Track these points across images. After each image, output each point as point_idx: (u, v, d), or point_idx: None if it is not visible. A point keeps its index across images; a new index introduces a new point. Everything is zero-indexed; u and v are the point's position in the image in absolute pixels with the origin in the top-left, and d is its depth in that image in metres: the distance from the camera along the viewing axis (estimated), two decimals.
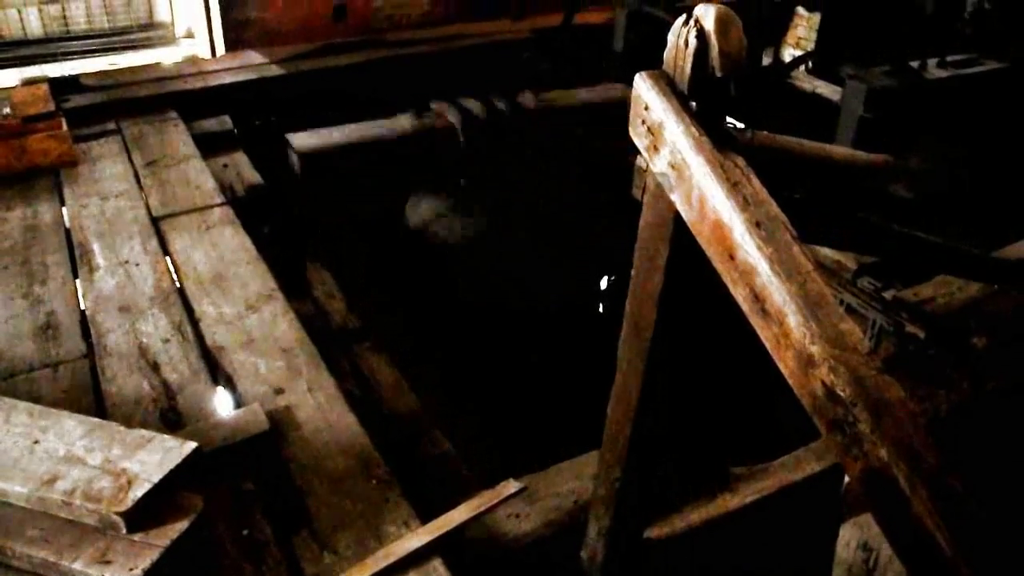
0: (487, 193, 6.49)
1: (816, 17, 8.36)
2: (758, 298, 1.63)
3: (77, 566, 2.28)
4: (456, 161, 6.46)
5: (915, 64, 5.64)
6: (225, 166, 5.64)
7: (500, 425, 4.61)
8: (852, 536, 2.51)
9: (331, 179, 5.91)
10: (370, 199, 6.15)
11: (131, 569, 2.26)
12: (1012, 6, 6.51)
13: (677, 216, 1.90)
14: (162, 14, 7.52)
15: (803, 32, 8.70)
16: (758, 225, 1.64)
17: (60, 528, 2.39)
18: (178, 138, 5.73)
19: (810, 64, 7.93)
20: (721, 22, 1.74)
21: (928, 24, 6.28)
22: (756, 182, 1.72)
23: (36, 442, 2.60)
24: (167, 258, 4.25)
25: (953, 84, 5.63)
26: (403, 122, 6.27)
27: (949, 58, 5.82)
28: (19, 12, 6.89)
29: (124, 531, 2.35)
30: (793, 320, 1.54)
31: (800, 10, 8.51)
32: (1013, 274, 3.16)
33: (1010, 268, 3.22)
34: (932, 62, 5.74)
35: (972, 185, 5.23)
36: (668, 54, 1.87)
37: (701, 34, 1.75)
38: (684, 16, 1.79)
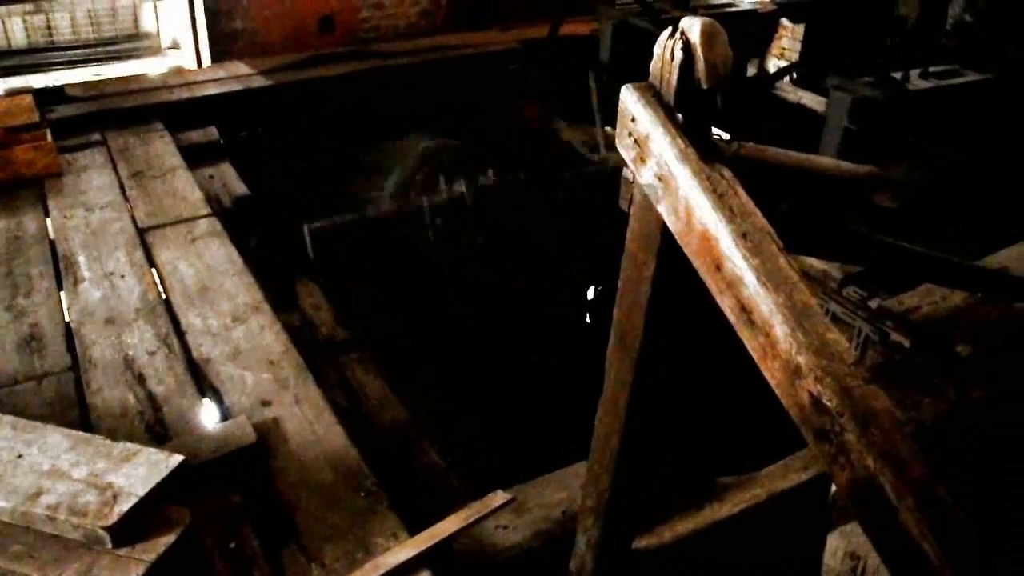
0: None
1: (800, 28, 8.44)
2: (745, 309, 1.64)
3: None
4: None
5: (898, 75, 5.68)
6: (211, 177, 5.63)
7: (497, 427, 4.63)
8: (840, 544, 2.51)
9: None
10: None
11: None
12: (996, 19, 6.58)
13: (664, 227, 1.91)
14: (148, 25, 7.51)
15: (787, 43, 8.78)
16: (744, 236, 1.65)
17: (44, 543, 2.37)
18: (164, 149, 5.71)
19: (795, 75, 7.99)
20: (707, 35, 1.75)
21: (911, 36, 6.34)
22: (742, 193, 1.73)
23: (20, 456, 2.58)
24: (153, 270, 4.24)
25: (935, 95, 5.67)
26: (415, 197, 6.12)
27: (931, 69, 5.87)
28: (3, 22, 6.87)
29: (110, 546, 2.33)
30: (780, 330, 1.55)
31: (784, 21, 8.58)
32: (996, 283, 3.19)
33: (993, 277, 3.25)
34: (914, 73, 5.78)
35: (957, 194, 5.27)
36: (654, 66, 1.88)
37: (687, 46, 1.76)
38: (670, 29, 1.80)
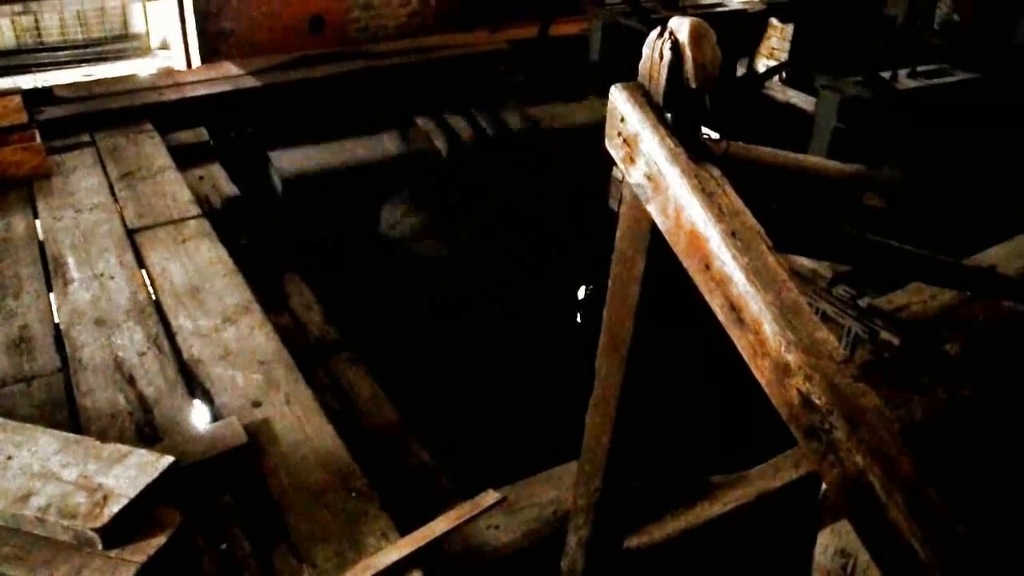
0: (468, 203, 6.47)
1: (789, 28, 8.46)
2: (734, 307, 1.64)
3: None
4: (439, 182, 6.39)
5: (886, 74, 5.70)
6: (201, 178, 5.61)
7: (489, 426, 4.63)
8: (830, 542, 2.52)
9: (314, 201, 5.82)
10: (354, 215, 6.06)
11: None
12: (983, 18, 6.62)
13: (653, 227, 1.91)
14: (137, 25, 7.48)
15: (777, 43, 8.80)
16: (734, 235, 1.65)
17: (34, 545, 2.36)
18: (153, 150, 5.70)
19: (784, 74, 8.01)
20: (695, 35, 1.75)
21: (899, 35, 6.36)
22: (731, 192, 1.74)
23: (10, 458, 2.57)
24: (143, 271, 4.22)
25: (924, 94, 5.70)
26: (387, 144, 6.14)
27: (919, 68, 5.90)
28: None
29: (100, 547, 2.33)
30: (769, 329, 1.56)
31: (773, 21, 8.60)
32: (985, 281, 3.20)
33: (981, 275, 3.26)
34: (903, 72, 5.82)
35: (946, 193, 5.30)
36: (643, 66, 1.88)
37: (676, 46, 1.77)
38: (659, 29, 1.81)
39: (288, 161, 5.80)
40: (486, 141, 6.24)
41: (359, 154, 6.01)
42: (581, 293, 6.69)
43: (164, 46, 7.53)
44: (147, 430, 3.14)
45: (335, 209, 5.88)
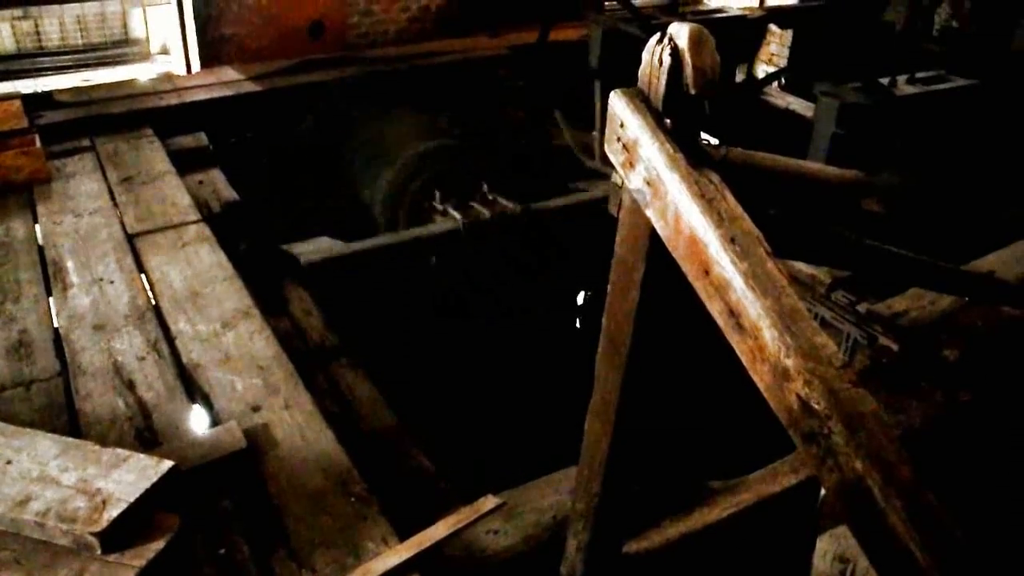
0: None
1: (788, 34, 8.49)
2: (733, 313, 1.65)
3: None
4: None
5: (885, 81, 5.72)
6: (201, 183, 5.62)
7: (488, 431, 4.62)
8: (829, 548, 2.53)
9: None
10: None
11: None
12: (982, 25, 6.65)
13: (653, 232, 1.91)
14: (137, 30, 7.49)
15: (776, 49, 8.83)
16: (733, 241, 1.66)
17: (33, 549, 2.36)
18: (153, 155, 5.70)
19: (783, 80, 8.04)
20: (694, 40, 1.76)
21: (898, 41, 6.39)
22: (731, 198, 1.74)
23: (9, 462, 2.57)
24: (142, 275, 4.22)
25: (922, 100, 5.72)
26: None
27: (918, 75, 5.92)
28: None
29: (99, 552, 2.33)
30: (768, 334, 1.56)
31: (773, 27, 8.63)
32: (983, 287, 3.21)
33: (980, 281, 3.27)
34: (902, 79, 5.83)
35: (944, 198, 5.32)
36: (643, 72, 1.89)
37: (675, 52, 1.77)
38: (658, 34, 1.82)
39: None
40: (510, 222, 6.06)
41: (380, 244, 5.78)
42: (580, 298, 6.70)
43: (164, 51, 7.54)
44: (146, 434, 3.14)
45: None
